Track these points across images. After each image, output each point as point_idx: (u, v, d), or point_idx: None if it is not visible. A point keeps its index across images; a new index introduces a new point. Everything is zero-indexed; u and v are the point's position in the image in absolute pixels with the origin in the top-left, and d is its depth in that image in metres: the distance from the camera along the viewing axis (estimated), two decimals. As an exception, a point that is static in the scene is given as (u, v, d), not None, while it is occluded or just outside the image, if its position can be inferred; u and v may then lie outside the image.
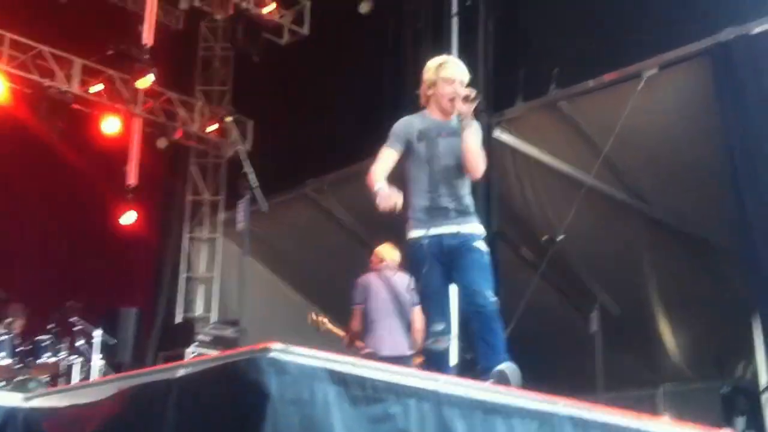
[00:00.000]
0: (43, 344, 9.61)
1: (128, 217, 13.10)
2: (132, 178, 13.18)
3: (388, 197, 4.79)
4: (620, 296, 8.62)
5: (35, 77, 12.44)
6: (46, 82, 12.47)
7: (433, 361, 4.88)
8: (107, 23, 13.67)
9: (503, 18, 11.00)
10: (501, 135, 10.64)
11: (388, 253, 7.63)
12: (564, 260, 9.64)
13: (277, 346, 3.08)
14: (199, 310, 14.64)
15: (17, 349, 9.51)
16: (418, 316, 7.87)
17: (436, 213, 4.92)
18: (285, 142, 12.79)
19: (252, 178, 8.14)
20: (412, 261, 5.08)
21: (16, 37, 12.30)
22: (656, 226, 10.38)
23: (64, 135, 12.63)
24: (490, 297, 4.86)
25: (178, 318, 14.19)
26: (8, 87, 12.27)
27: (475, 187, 10.27)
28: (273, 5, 13.38)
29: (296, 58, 13.43)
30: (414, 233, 4.98)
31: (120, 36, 12.94)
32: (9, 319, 9.73)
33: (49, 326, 9.94)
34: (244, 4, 13.10)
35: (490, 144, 10.62)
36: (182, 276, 14.67)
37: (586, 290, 8.37)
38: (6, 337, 9.38)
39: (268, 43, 13.35)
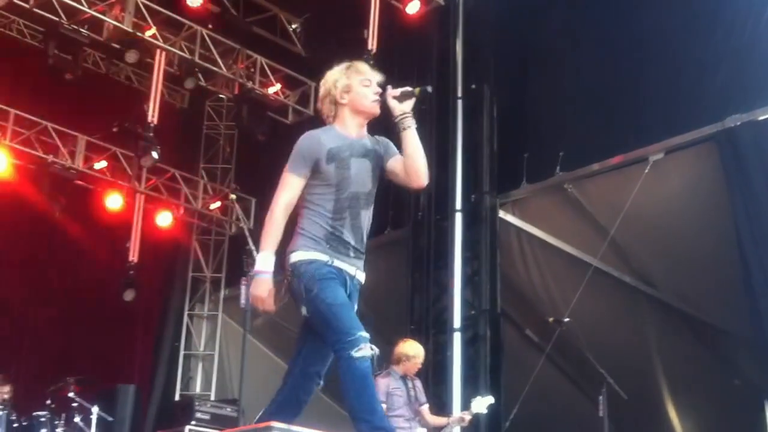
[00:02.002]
0: (40, 420, 9.50)
1: (129, 294, 13.02)
2: (133, 255, 13.13)
3: (272, 294, 4.08)
4: (628, 380, 8.45)
5: (39, 153, 12.48)
6: (50, 158, 12.51)
7: (366, 370, 4.02)
8: (112, 100, 13.83)
9: (508, 101, 11.09)
10: (506, 216, 10.64)
11: (415, 349, 7.56)
12: (570, 342, 9.49)
13: (278, 425, 3.00)
14: (197, 387, 14.47)
15: (14, 425, 9.38)
16: (426, 412, 7.90)
17: (335, 244, 4.14)
18: (287, 221, 12.74)
19: (254, 255, 8.10)
20: (311, 276, 4.06)
21: (20, 112, 12.38)
22: (664, 310, 10.30)
23: (66, 211, 12.67)
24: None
25: (177, 396, 14.01)
26: (12, 163, 12.30)
27: (480, 267, 10.44)
28: (278, 86, 13.50)
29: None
30: (313, 255, 4.11)
31: (125, 113, 13.02)
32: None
33: (46, 402, 9.85)
34: (249, 84, 13.20)
35: (495, 225, 10.66)
36: (181, 353, 14.53)
37: (593, 373, 8.24)
38: (2, 413, 9.25)
39: (272, 122, 13.41)
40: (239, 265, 8.23)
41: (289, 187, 4.22)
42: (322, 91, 4.40)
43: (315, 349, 4.23)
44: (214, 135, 15.31)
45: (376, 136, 4.33)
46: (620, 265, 10.22)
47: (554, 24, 11.14)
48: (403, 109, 4.16)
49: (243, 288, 8.28)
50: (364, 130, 4.33)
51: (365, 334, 4.00)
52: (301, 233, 4.18)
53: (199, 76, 13.35)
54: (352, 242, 4.18)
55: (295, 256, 4.12)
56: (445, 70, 11.61)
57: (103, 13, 11.98)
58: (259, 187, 13.99)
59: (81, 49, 12.20)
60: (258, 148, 13.64)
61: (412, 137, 4.16)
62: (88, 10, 11.72)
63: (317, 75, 14.37)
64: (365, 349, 3.96)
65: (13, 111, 12.29)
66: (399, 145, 4.26)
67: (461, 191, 10.77)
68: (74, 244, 13.86)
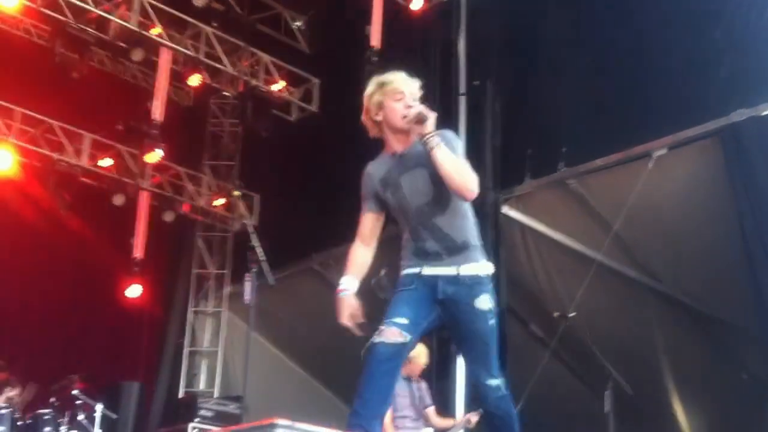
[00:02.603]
0: (44, 418, 9.48)
1: (133, 291, 13.07)
2: (138, 252, 13.18)
3: (348, 309, 4.11)
4: (633, 375, 8.48)
5: (45, 151, 12.58)
6: (56, 156, 12.61)
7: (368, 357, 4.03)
8: (118, 98, 13.87)
9: (511, 97, 11.10)
10: (509, 212, 10.65)
11: (417, 349, 7.58)
12: (575, 337, 9.54)
13: (282, 422, 3.00)
14: (202, 384, 14.50)
15: (18, 423, 9.39)
16: (432, 414, 7.92)
17: (425, 256, 4.14)
18: (291, 216, 12.80)
19: (259, 251, 8.15)
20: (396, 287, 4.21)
21: (27, 111, 12.47)
22: (669, 304, 10.31)
23: (71, 208, 12.71)
24: (497, 384, 4.14)
25: (181, 393, 14.04)
26: (18, 160, 12.38)
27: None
28: (282, 83, 13.56)
29: (304, 134, 13.55)
30: (406, 270, 4.21)
31: (130, 111, 13.09)
32: (12, 393, 9.65)
33: (50, 400, 9.86)
34: (253, 82, 13.26)
35: (498, 220, 10.67)
36: (186, 350, 14.57)
37: (598, 368, 8.27)
38: (6, 411, 9.26)
39: (276, 119, 13.46)
40: (243, 261, 8.28)
41: (361, 221, 4.32)
42: (364, 108, 4.28)
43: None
44: (218, 132, 15.37)
45: (440, 132, 4.12)
46: (624, 260, 10.23)
47: (558, 19, 11.14)
48: (422, 131, 4.06)
49: (247, 284, 8.33)
50: (412, 137, 4.19)
51: (395, 319, 4.04)
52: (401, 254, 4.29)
53: (204, 73, 13.39)
54: (439, 249, 4.12)
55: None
56: (448, 66, 11.62)
57: (110, 13, 12.09)
58: (263, 183, 14.07)
59: (87, 48, 12.30)
60: (262, 145, 13.69)
61: (439, 158, 4.02)
62: (94, 10, 11.83)
63: (321, 72, 14.52)
64: (384, 334, 4.00)
65: (19, 109, 12.39)
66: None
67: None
68: (79, 241, 13.90)
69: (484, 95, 11.17)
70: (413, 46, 12.23)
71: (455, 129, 11.09)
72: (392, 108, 4.16)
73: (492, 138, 10.84)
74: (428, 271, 4.12)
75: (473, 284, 4.14)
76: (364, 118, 4.28)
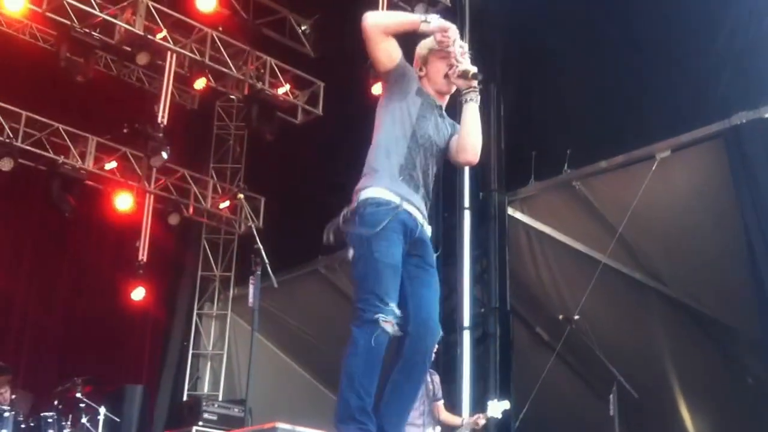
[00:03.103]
0: (47, 421, 9.49)
1: (138, 293, 13.09)
2: (143, 254, 13.19)
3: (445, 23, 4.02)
4: (638, 378, 8.45)
5: (50, 154, 12.58)
6: (61, 159, 12.61)
7: (382, 347, 3.85)
8: (123, 102, 13.91)
9: (515, 99, 11.10)
10: (515, 213, 10.66)
11: None
12: (580, 340, 9.51)
13: (283, 426, 2.99)
14: (206, 387, 14.50)
15: (21, 426, 9.40)
16: (441, 408, 7.89)
17: (407, 184, 4.04)
18: (297, 219, 12.81)
19: (263, 254, 8.15)
20: (370, 219, 3.92)
21: (32, 114, 12.47)
22: (674, 307, 10.30)
23: (76, 211, 12.71)
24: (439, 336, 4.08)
25: (185, 396, 14.03)
26: (23, 163, 12.37)
27: (489, 265, 10.44)
28: (287, 86, 13.57)
29: (310, 137, 13.55)
30: (381, 192, 3.99)
31: (136, 115, 13.09)
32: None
33: (53, 402, 9.86)
34: (259, 85, 13.26)
35: (503, 222, 10.68)
36: (190, 353, 14.57)
37: (603, 371, 8.24)
38: (10, 413, 9.26)
39: (281, 122, 13.46)
40: (248, 263, 8.28)
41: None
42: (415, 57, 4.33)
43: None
44: (224, 135, 15.40)
45: (471, 93, 4.22)
46: (629, 262, 10.23)
47: (560, 22, 11.15)
48: (469, 83, 4.18)
49: (252, 287, 8.33)
50: (443, 101, 4.31)
51: (396, 310, 3.86)
52: (369, 169, 4.09)
53: (209, 77, 13.40)
54: (420, 182, 4.12)
55: (365, 194, 4.02)
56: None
57: (115, 17, 12.04)
58: (269, 186, 14.09)
59: (92, 52, 12.23)
60: (267, 148, 13.70)
61: (473, 110, 4.17)
62: (99, 14, 11.80)
63: (326, 75, 14.51)
64: (389, 325, 3.82)
65: (24, 113, 12.38)
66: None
67: (469, 189, 10.76)
68: (84, 244, 13.98)
69: (489, 97, 11.18)
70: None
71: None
72: (436, 66, 4.25)
73: (497, 140, 10.85)
74: (408, 207, 4.03)
75: (429, 242, 4.17)
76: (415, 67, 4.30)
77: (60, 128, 12.71)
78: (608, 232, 9.96)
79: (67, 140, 12.77)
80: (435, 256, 4.24)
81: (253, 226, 11.12)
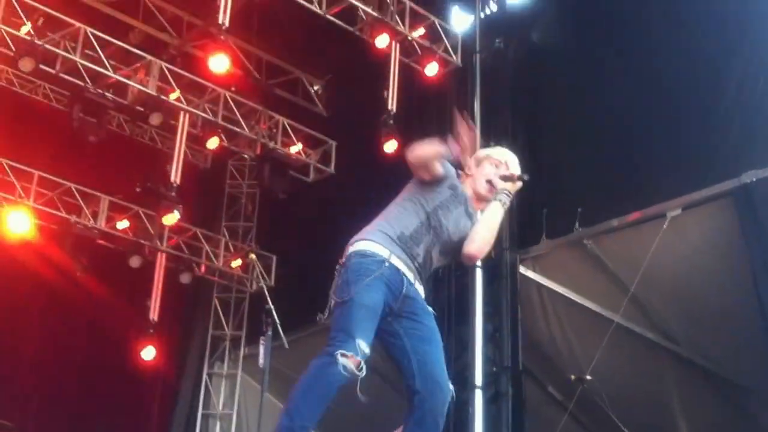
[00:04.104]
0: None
1: (148, 353, 13.02)
2: (154, 314, 13.16)
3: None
4: (651, 439, 8.43)
5: (62, 214, 12.63)
6: (73, 218, 12.67)
7: (335, 383, 3.80)
8: (136, 161, 14.02)
9: (525, 156, 11.09)
10: (526, 272, 10.64)
11: None
12: (593, 400, 9.46)
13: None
14: (214, 448, 14.38)
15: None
16: None
17: (403, 251, 4.07)
18: (309, 277, 12.76)
19: (274, 314, 8.12)
20: (355, 268, 3.99)
21: (44, 174, 12.55)
22: (686, 366, 10.21)
23: (88, 270, 12.72)
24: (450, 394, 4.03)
25: (194, 456, 13.92)
26: (35, 223, 12.44)
27: (501, 323, 10.39)
28: (300, 145, 13.66)
29: (322, 196, 13.60)
30: (370, 245, 4.04)
31: (148, 174, 13.14)
32: None
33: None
34: (271, 144, 13.35)
35: (515, 280, 10.65)
36: (199, 413, 14.46)
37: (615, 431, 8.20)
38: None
39: (294, 180, 13.53)
40: (259, 322, 8.26)
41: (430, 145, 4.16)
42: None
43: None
44: (236, 193, 15.46)
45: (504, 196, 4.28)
46: (642, 321, 10.17)
47: (570, 80, 11.26)
48: (505, 186, 4.24)
49: (262, 347, 8.29)
50: (479, 207, 4.32)
51: (365, 348, 3.80)
52: (378, 222, 4.18)
53: (222, 136, 13.49)
54: (420, 258, 4.12)
55: (354, 247, 4.09)
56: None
57: (128, 78, 12.20)
58: (281, 244, 14.10)
59: (105, 112, 12.36)
60: (280, 207, 13.75)
61: (497, 209, 4.21)
62: (113, 75, 11.95)
63: (338, 134, 14.61)
64: (351, 361, 3.76)
65: (36, 172, 12.46)
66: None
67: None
68: (95, 303, 13.93)
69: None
70: (429, 109, 12.35)
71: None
72: (485, 170, 4.32)
73: (508, 198, 10.83)
74: (396, 262, 4.04)
75: (425, 300, 4.18)
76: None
77: (72, 187, 12.78)
78: (620, 291, 9.92)
79: (80, 199, 12.82)
80: (432, 312, 4.20)
81: (264, 285, 11.08)
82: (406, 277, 4.06)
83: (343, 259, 4.10)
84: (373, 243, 4.07)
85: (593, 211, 10.09)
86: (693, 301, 9.72)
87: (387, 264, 4.00)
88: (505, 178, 4.25)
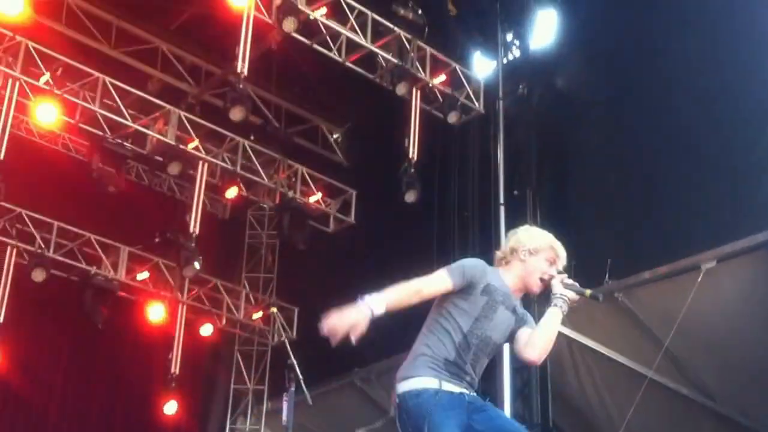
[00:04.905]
0: None
1: (170, 407, 12.82)
2: (175, 367, 12.96)
3: (358, 325, 3.81)
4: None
5: (82, 265, 12.53)
6: (93, 269, 12.56)
7: None
8: (155, 211, 13.93)
9: (552, 207, 10.93)
10: (556, 325, 10.36)
11: None
12: (626, 459, 9.19)
13: None
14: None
15: None
16: None
17: (454, 370, 4.04)
18: (331, 331, 12.55)
19: (297, 368, 7.91)
20: (417, 412, 3.94)
21: (63, 224, 12.47)
22: (723, 423, 9.91)
23: (108, 322, 12.58)
24: None
25: None
26: (55, 275, 12.29)
27: (530, 378, 10.12)
28: (319, 194, 13.51)
29: (342, 246, 13.43)
30: (418, 382, 4.00)
31: (167, 224, 13.08)
32: None
33: None
34: (290, 194, 13.20)
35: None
36: (222, 471, 14.22)
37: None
38: None
39: (314, 230, 13.35)
40: (282, 376, 8.07)
41: (438, 280, 4.08)
42: (513, 239, 4.33)
43: None
44: (256, 244, 15.29)
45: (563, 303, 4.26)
46: (676, 377, 9.88)
47: (596, 127, 11.09)
48: (564, 293, 4.21)
49: (285, 404, 8.11)
50: (519, 295, 4.30)
51: None
52: (421, 353, 4.08)
53: (241, 185, 13.37)
54: (471, 376, 4.10)
55: (403, 386, 4.03)
56: (486, 176, 11.52)
57: (147, 127, 12.13)
58: (302, 295, 13.87)
59: (124, 161, 12.33)
60: (300, 257, 13.57)
61: (555, 317, 4.19)
62: (132, 125, 11.89)
63: (358, 183, 14.47)
64: None
65: (56, 223, 12.38)
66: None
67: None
68: (116, 355, 13.79)
69: (525, 204, 11.02)
70: (451, 156, 12.20)
71: (496, 239, 10.94)
72: (540, 263, 4.25)
73: (534, 249, 10.61)
74: (449, 387, 4.01)
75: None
76: (509, 249, 4.30)
77: (92, 238, 12.66)
78: (654, 345, 9.65)
79: (99, 250, 12.71)
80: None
81: (286, 338, 10.89)
82: (462, 392, 4.05)
83: (397, 400, 4.06)
84: (420, 379, 4.03)
85: (622, 263, 9.84)
86: (729, 356, 9.44)
87: (440, 394, 3.98)
88: (568, 287, 4.22)
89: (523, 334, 4.21)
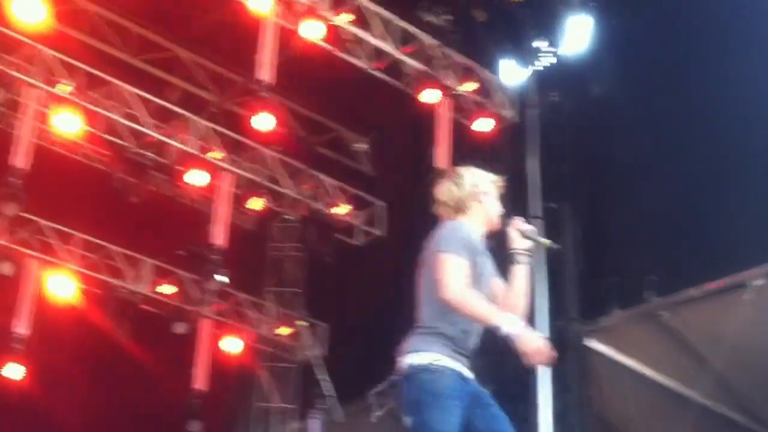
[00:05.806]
0: None
1: (194, 425, 12.53)
2: (199, 383, 12.69)
3: (543, 351, 3.64)
4: None
5: (105, 277, 12.33)
6: (117, 282, 12.36)
7: None
8: (178, 223, 13.68)
9: (592, 220, 10.60)
10: (596, 345, 10.00)
11: None
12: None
13: None
14: None
15: None
16: None
17: (462, 352, 3.90)
18: (361, 345, 12.28)
19: (326, 385, 7.68)
20: (428, 387, 3.78)
21: (86, 236, 12.29)
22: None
23: (131, 335, 12.45)
24: None
25: None
26: (79, 287, 12.14)
27: (570, 402, 9.78)
28: (346, 206, 13.19)
29: (371, 259, 13.13)
30: (433, 357, 3.82)
31: (191, 236, 12.83)
32: None
33: None
34: (317, 206, 12.92)
35: (583, 355, 10.02)
36: (249, 493, 13.93)
37: None
38: None
39: (341, 243, 13.06)
40: (310, 395, 7.88)
41: (458, 267, 3.85)
42: (456, 187, 4.17)
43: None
44: (280, 257, 14.95)
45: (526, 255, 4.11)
46: (730, 403, 9.53)
47: (635, 136, 10.74)
48: (523, 244, 4.07)
49: (313, 422, 7.96)
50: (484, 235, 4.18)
51: None
52: (425, 330, 3.90)
53: (266, 197, 13.15)
54: (471, 347, 3.97)
55: (414, 358, 3.83)
56: (517, 187, 11.17)
57: (170, 137, 11.95)
58: (331, 311, 13.56)
59: (146, 172, 12.22)
60: (328, 270, 13.30)
61: (524, 274, 4.06)
62: (154, 134, 11.73)
63: (386, 194, 14.20)
64: None
65: (79, 235, 12.22)
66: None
67: (546, 318, 10.16)
68: (139, 370, 13.58)
69: (563, 219, 10.67)
70: (481, 167, 11.85)
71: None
72: (494, 201, 4.18)
73: (574, 265, 10.29)
74: (467, 373, 3.91)
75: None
76: (448, 195, 4.18)
77: (115, 251, 12.47)
78: (703, 368, 9.28)
79: (123, 263, 12.50)
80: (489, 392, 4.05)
81: (315, 355, 10.60)
82: (464, 374, 3.89)
83: (406, 371, 3.85)
84: (434, 354, 3.83)
85: (668, 279, 9.48)
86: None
87: (454, 373, 3.85)
88: (528, 235, 4.08)
89: (497, 289, 4.07)
